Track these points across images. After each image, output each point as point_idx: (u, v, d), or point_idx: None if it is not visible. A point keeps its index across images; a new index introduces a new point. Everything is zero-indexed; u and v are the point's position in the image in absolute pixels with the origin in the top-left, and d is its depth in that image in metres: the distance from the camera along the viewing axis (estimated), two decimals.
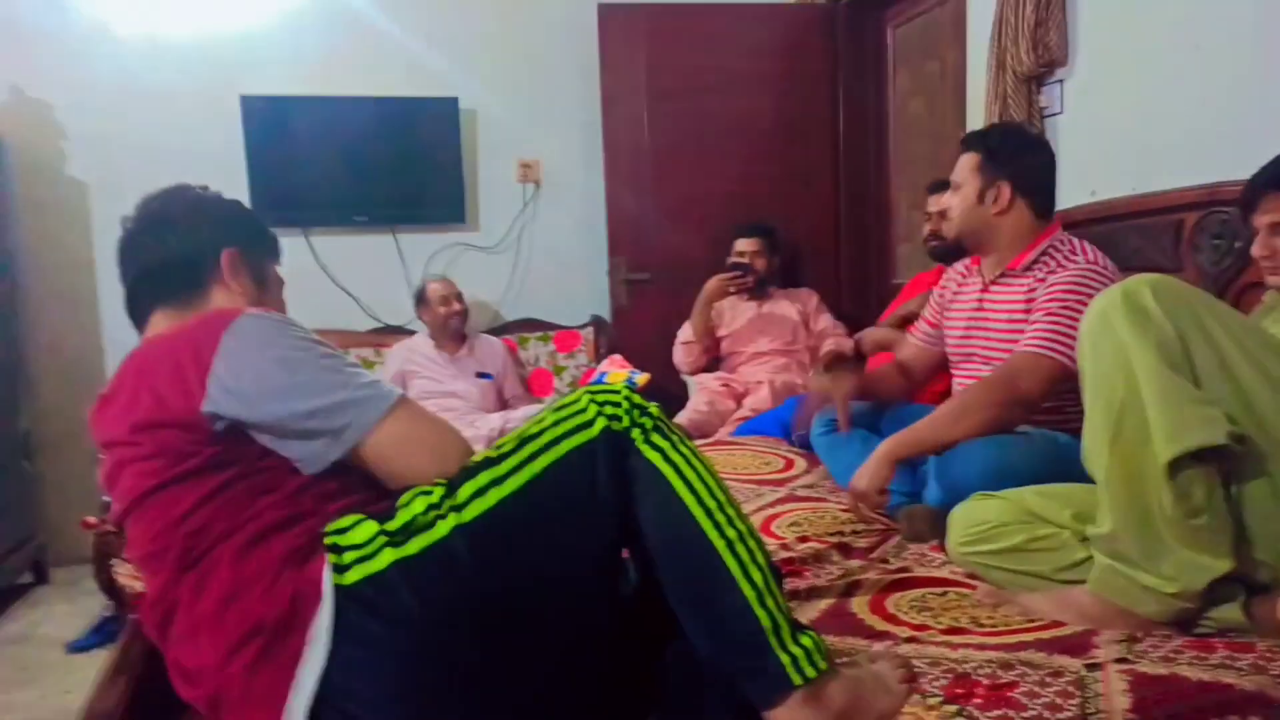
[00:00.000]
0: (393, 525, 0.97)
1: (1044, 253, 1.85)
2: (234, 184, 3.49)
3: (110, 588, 1.11)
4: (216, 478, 1.01)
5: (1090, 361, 1.28)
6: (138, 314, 1.25)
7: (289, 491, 1.03)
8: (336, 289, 3.63)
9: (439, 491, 0.99)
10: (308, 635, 0.92)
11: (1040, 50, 2.44)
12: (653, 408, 1.09)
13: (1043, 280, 1.81)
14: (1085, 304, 1.60)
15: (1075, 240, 1.87)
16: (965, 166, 1.91)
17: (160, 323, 1.22)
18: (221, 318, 1.08)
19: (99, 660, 2.57)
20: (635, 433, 1.06)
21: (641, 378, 3.27)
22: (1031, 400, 1.74)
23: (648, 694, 1.15)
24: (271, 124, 3.52)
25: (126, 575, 1.09)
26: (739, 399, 3.21)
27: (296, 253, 3.60)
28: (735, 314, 3.42)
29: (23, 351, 3.38)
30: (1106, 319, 1.25)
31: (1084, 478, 1.34)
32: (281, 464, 1.05)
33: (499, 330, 3.79)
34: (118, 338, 3.49)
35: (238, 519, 1.00)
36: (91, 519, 2.79)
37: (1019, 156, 1.89)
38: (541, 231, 3.87)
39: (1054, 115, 2.54)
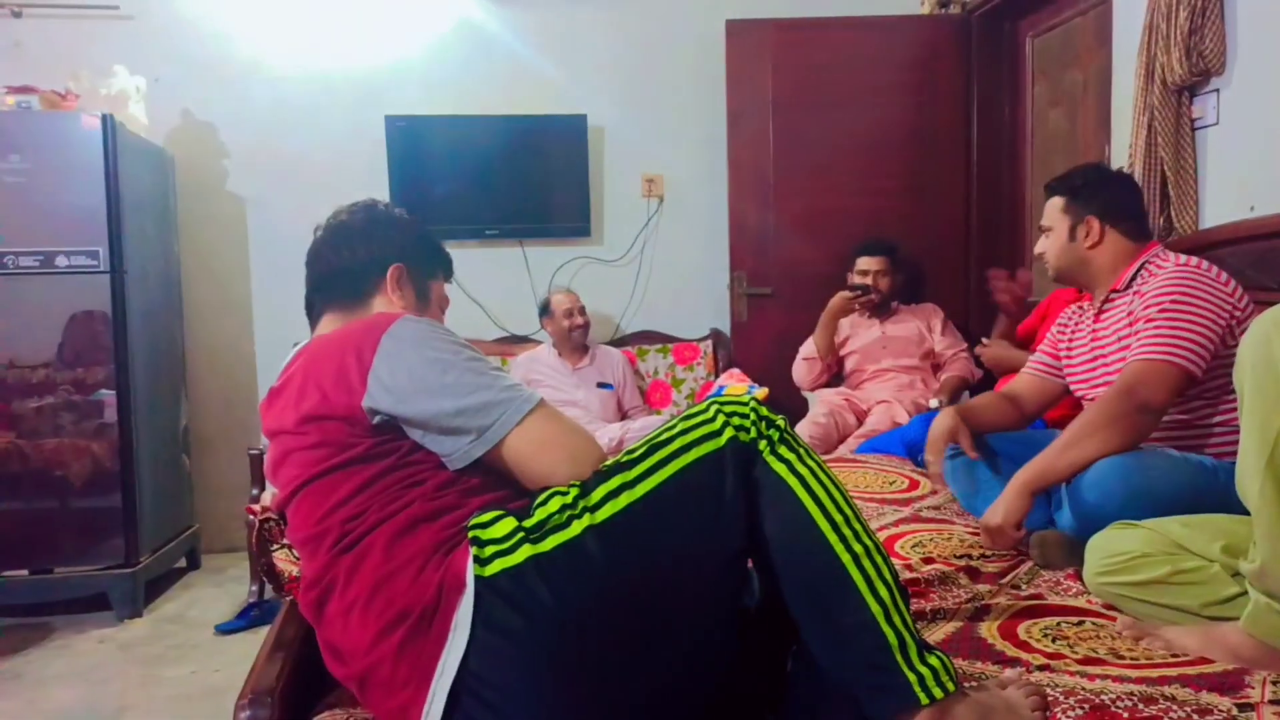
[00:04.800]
0: (530, 522, 1.02)
1: (1140, 268, 1.88)
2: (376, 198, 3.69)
3: (270, 571, 1.19)
4: (372, 468, 1.09)
5: (1249, 383, 1.21)
6: (312, 315, 1.35)
7: (436, 485, 1.09)
8: (467, 299, 3.78)
9: (574, 493, 1.03)
10: (451, 622, 0.98)
11: (1194, 58, 2.31)
12: (780, 420, 1.10)
13: (1140, 293, 1.82)
14: (1185, 302, 1.70)
15: (1169, 252, 1.89)
16: (1053, 210, 2.00)
17: (328, 324, 1.33)
18: (382, 321, 1.16)
19: (244, 641, 2.77)
20: (762, 444, 1.07)
21: (760, 392, 3.25)
22: (1152, 406, 1.68)
23: (767, 702, 1.15)
24: (412, 142, 3.70)
25: (284, 559, 1.16)
26: (861, 416, 3.16)
27: None
28: (858, 332, 3.37)
29: (184, 354, 3.66)
30: (1267, 341, 1.18)
31: (1231, 502, 1.27)
32: (430, 459, 1.12)
33: (620, 342, 3.85)
34: (268, 342, 3.75)
35: (390, 508, 1.06)
36: (255, 507, 3.00)
37: (1101, 190, 1.95)
38: (664, 245, 3.92)
39: (1207, 127, 2.40)
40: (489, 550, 1.00)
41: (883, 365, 3.30)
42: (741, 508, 1.05)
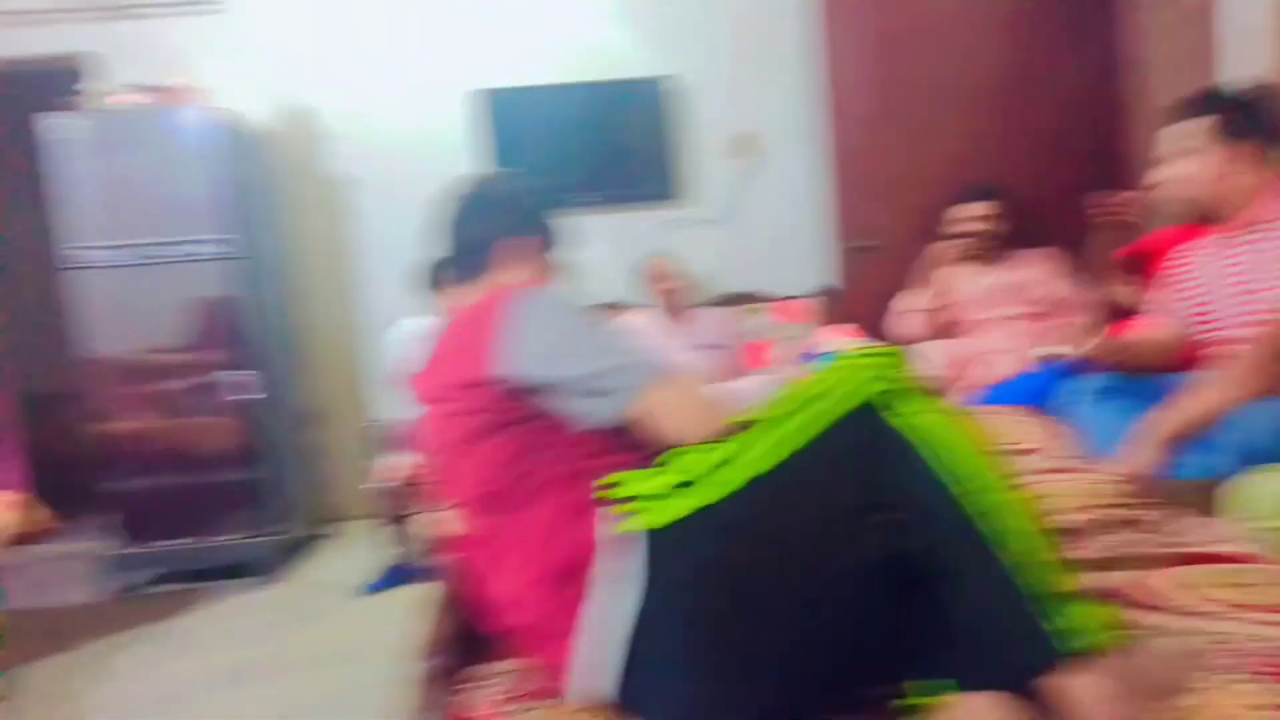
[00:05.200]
0: (684, 477, 1.05)
1: None
2: (470, 173, 3.76)
3: (411, 534, 1.27)
4: (519, 430, 1.15)
5: None
6: (440, 287, 1.41)
7: (579, 445, 1.15)
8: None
9: (726, 447, 1.06)
10: (615, 573, 1.02)
11: None
12: (914, 371, 1.11)
13: None
14: None
15: None
16: (1197, 132, 1.82)
17: (457, 296, 1.40)
18: (514, 291, 1.22)
19: (382, 602, 2.91)
20: (898, 396, 1.08)
21: (875, 347, 3.22)
22: None
23: (904, 658, 1.16)
24: (501, 115, 3.75)
25: (435, 521, 1.24)
26: (978, 366, 3.10)
27: None
28: (967, 281, 3.29)
29: (298, 333, 3.83)
30: None
31: None
32: (570, 421, 1.17)
33: (720, 303, 3.85)
34: (372, 319, 3.88)
35: (540, 467, 1.13)
36: (390, 474, 3.14)
37: (1260, 111, 1.81)
38: (760, 203, 3.88)
39: None
40: (646, 504, 1.04)
41: (997, 314, 3.22)
42: (879, 460, 1.06)
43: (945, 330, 3.36)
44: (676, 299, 3.56)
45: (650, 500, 1.05)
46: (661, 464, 1.10)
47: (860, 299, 3.69)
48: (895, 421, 1.06)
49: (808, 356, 3.34)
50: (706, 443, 1.09)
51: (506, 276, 1.37)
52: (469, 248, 1.38)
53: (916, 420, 1.06)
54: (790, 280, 3.87)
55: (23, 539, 2.63)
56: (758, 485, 1.02)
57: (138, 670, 2.55)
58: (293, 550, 3.44)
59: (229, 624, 2.86)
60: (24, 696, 2.42)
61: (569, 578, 1.05)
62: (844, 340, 3.39)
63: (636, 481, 1.07)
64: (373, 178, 3.83)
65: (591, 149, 3.80)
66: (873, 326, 3.49)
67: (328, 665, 2.50)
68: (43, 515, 2.64)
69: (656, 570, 1.01)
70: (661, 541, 1.02)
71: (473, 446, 1.16)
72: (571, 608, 1.05)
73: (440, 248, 1.42)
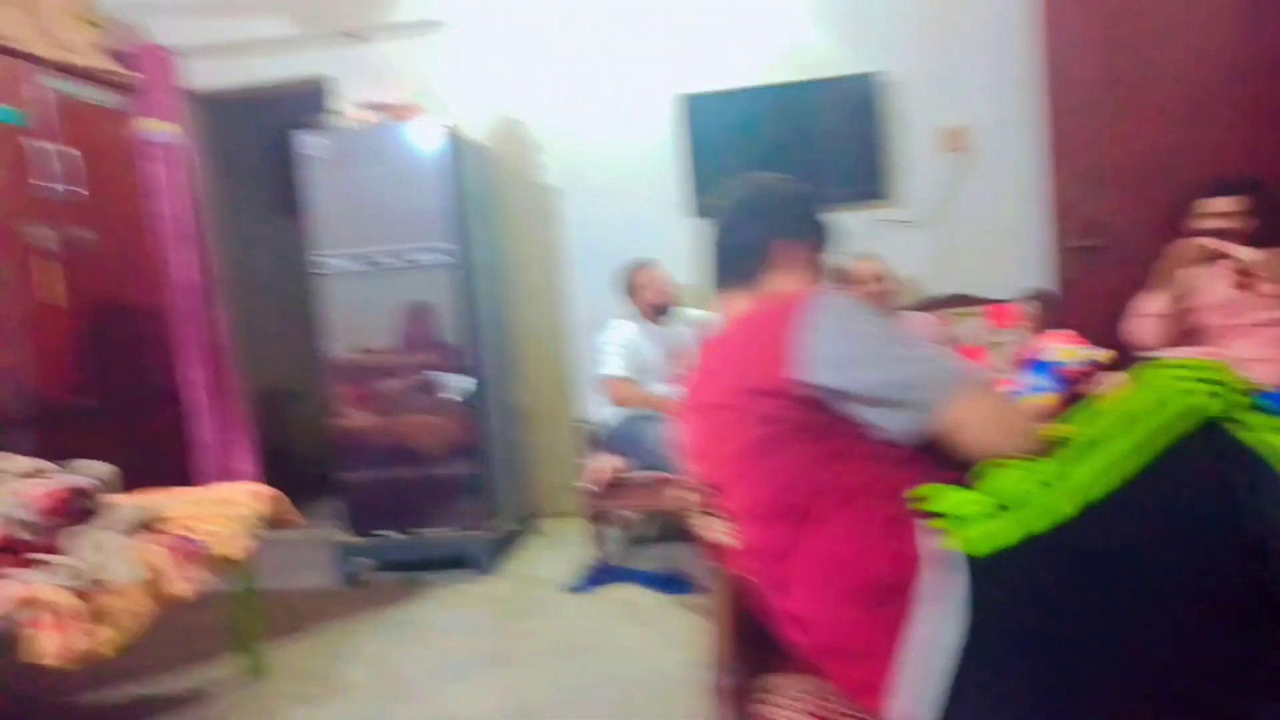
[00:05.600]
0: (1003, 499, 1.00)
1: None
2: (676, 178, 3.80)
3: (693, 538, 1.26)
4: (815, 439, 1.11)
5: None
6: (717, 289, 1.40)
7: (881, 457, 1.10)
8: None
9: (1044, 468, 1.00)
10: (926, 596, 0.98)
11: None
12: (1246, 386, 1.00)
13: None
14: None
15: None
16: None
17: (732, 300, 1.37)
18: (803, 296, 1.18)
19: (592, 600, 2.97)
20: (1236, 412, 0.98)
21: (1103, 354, 2.98)
22: None
23: (1260, 689, 1.05)
24: (706, 118, 3.76)
25: (712, 530, 1.23)
26: None
27: None
28: (1214, 283, 3.00)
29: (510, 335, 3.99)
30: None
31: None
32: (871, 430, 1.12)
33: (927, 306, 3.70)
34: (581, 323, 3.98)
35: (838, 479, 1.09)
36: (595, 474, 3.22)
37: None
38: (971, 201, 3.71)
39: None
40: (957, 525, 0.99)
41: (1246, 319, 2.92)
42: (1228, 486, 0.96)
43: (1188, 337, 3.09)
44: (884, 302, 3.44)
45: (967, 520, 0.99)
46: (974, 480, 1.05)
47: (1080, 303, 3.45)
48: (1249, 438, 0.96)
49: (1029, 364, 3.15)
50: (1019, 459, 1.03)
51: (782, 280, 1.34)
52: (744, 250, 1.36)
53: (1270, 437, 0.96)
54: (1004, 282, 3.67)
55: (269, 527, 2.86)
56: (1093, 512, 0.95)
57: (370, 656, 2.72)
58: (503, 545, 3.57)
59: (449, 615, 3.00)
60: (272, 674, 2.63)
61: (879, 596, 1.01)
62: (1067, 346, 3.17)
63: (950, 498, 1.02)
64: (580, 186, 3.94)
65: (797, 150, 3.74)
66: (1094, 331, 3.23)
67: (550, 660, 2.58)
68: (286, 506, 2.85)
69: (982, 597, 0.96)
70: (987, 567, 0.96)
71: (764, 455, 1.13)
72: (883, 628, 1.01)
73: (710, 250, 1.41)
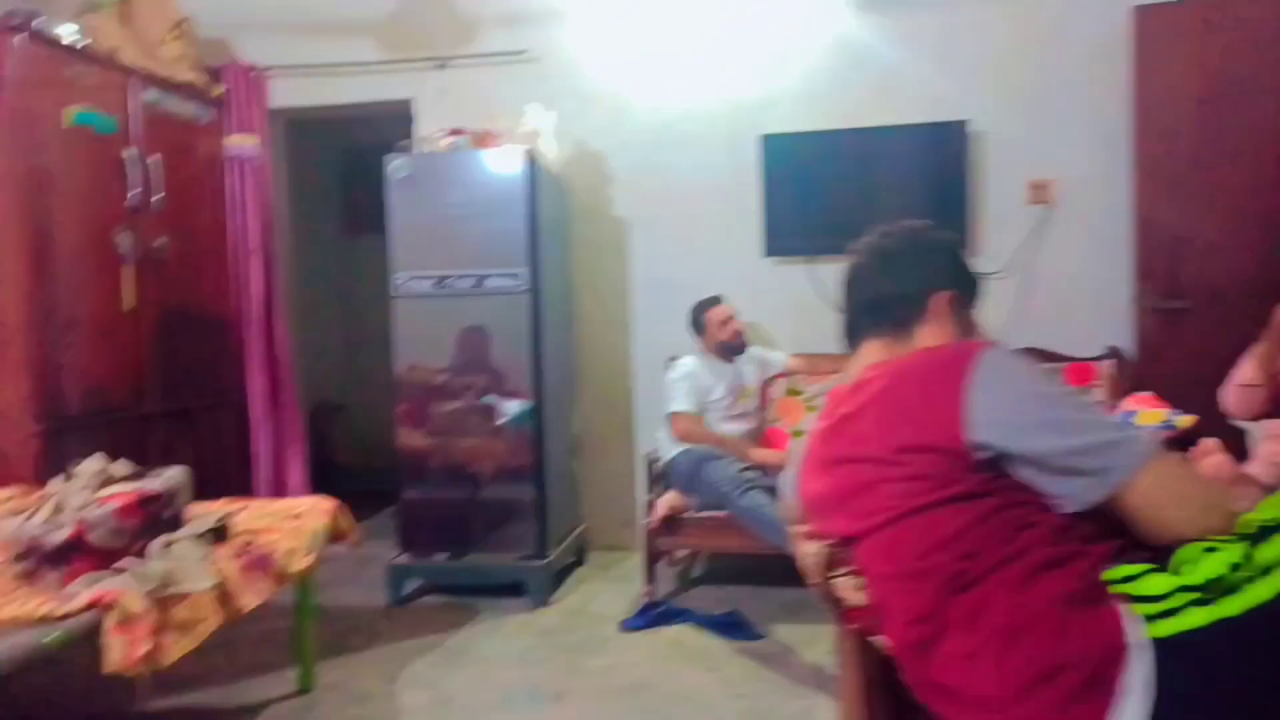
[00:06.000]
0: (1193, 580, 0.94)
1: None
2: (749, 217, 3.78)
3: (829, 597, 1.19)
4: (980, 505, 1.05)
5: None
6: (853, 339, 1.35)
7: (1052, 528, 1.04)
8: (836, 314, 3.73)
9: (1238, 550, 0.93)
10: (1119, 685, 0.92)
11: None
12: None
13: None
14: None
15: None
16: None
17: (872, 351, 1.31)
18: (969, 350, 1.12)
19: (648, 639, 2.91)
20: None
21: (1184, 420, 2.89)
22: None
23: None
24: (785, 160, 3.74)
25: (845, 587, 1.16)
26: None
27: (798, 280, 3.78)
28: None
29: (577, 365, 3.97)
30: None
31: None
32: (1038, 499, 1.06)
33: None
34: (645, 355, 3.96)
35: (1008, 549, 1.02)
36: (655, 510, 3.17)
37: None
38: (1052, 256, 3.63)
39: None
40: (1152, 608, 0.93)
41: None
42: None
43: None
44: None
45: (1155, 602, 0.93)
46: (1161, 558, 0.99)
47: (1159, 365, 3.35)
48: None
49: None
50: (1209, 536, 0.96)
51: (934, 332, 1.28)
52: (899, 299, 1.30)
53: None
54: (1081, 339, 3.57)
55: (329, 541, 2.84)
56: None
57: (425, 680, 2.67)
58: (557, 576, 3.52)
59: (503, 644, 2.95)
60: (324, 691, 2.59)
61: (1063, 680, 0.95)
62: (1150, 409, 3.08)
63: (1135, 579, 0.96)
64: (653, 219, 3.94)
65: (878, 194, 3.70)
66: (1172, 395, 3.14)
67: (609, 699, 2.52)
68: (347, 520, 2.83)
69: (1166, 681, 0.89)
70: (1176, 649, 0.90)
71: (918, 514, 1.07)
72: (1073, 715, 0.94)
73: (856, 296, 1.37)
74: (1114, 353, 3.52)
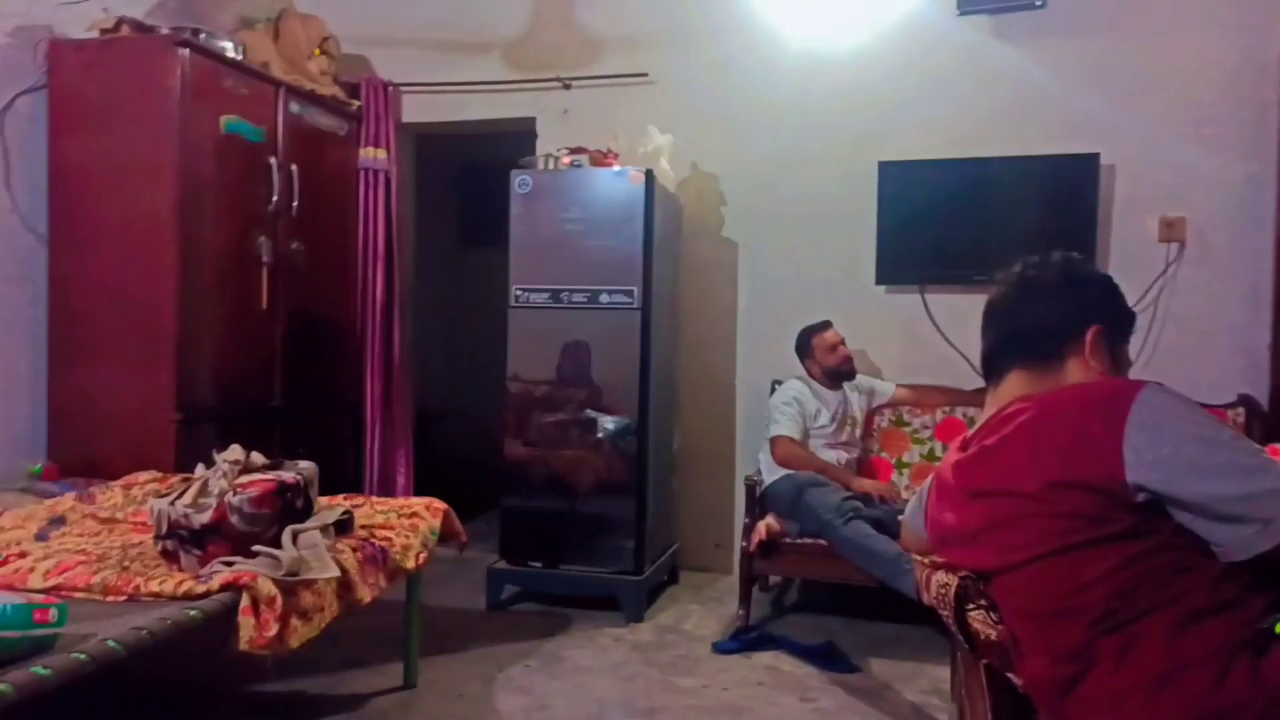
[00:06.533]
0: None
1: None
2: (863, 244, 3.75)
3: (965, 630, 1.18)
4: (1135, 546, 1.03)
5: None
6: (996, 369, 1.33)
7: (1212, 575, 1.01)
8: (946, 345, 3.67)
9: None
10: None
11: None
12: None
13: None
14: None
15: None
16: None
17: (1016, 383, 1.29)
18: (1127, 389, 1.10)
19: (741, 664, 2.89)
20: None
21: None
22: None
23: None
24: (903, 187, 3.70)
25: (980, 620, 1.15)
26: None
27: (910, 309, 3.73)
28: None
29: (682, 384, 3.99)
30: None
31: None
32: (1198, 544, 1.03)
33: None
34: (748, 377, 3.96)
35: (1164, 593, 1.00)
36: (754, 534, 3.17)
37: None
38: (1182, 295, 3.49)
39: None
40: None
41: None
42: None
43: None
44: None
45: None
46: None
47: None
48: None
49: None
50: None
51: (1086, 367, 1.26)
52: (1055, 331, 1.27)
53: None
54: (1210, 384, 3.41)
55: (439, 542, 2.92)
56: None
57: (521, 686, 2.72)
58: (650, 593, 3.54)
59: (597, 657, 2.98)
60: (425, 689, 2.67)
61: None
62: None
63: None
64: (764, 243, 3.95)
65: (999, 224, 3.61)
66: None
67: (700, 718, 2.51)
68: (455, 522, 2.91)
69: None
70: None
71: (1064, 553, 1.05)
72: None
73: (1006, 326, 1.35)
74: (1245, 400, 3.35)
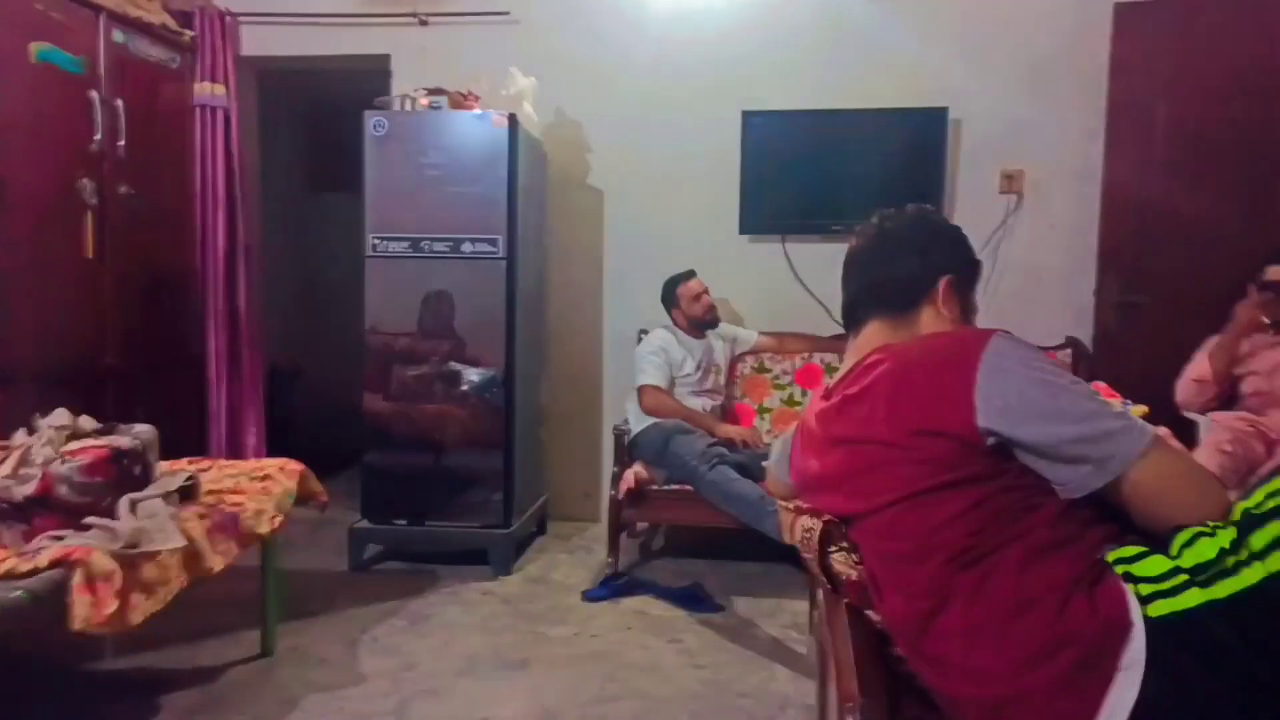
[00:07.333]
0: (1186, 562, 0.98)
1: None
2: (726, 193, 3.78)
3: (828, 571, 1.22)
4: (984, 488, 1.07)
5: None
6: (856, 319, 1.37)
7: (1053, 512, 1.07)
8: (806, 294, 3.77)
9: (1226, 535, 0.97)
10: (1120, 662, 0.95)
11: None
12: None
13: None
14: None
15: None
16: None
17: (875, 331, 1.34)
18: (980, 338, 1.13)
19: (609, 610, 2.93)
20: None
21: (1136, 409, 2.97)
22: None
23: None
24: (765, 137, 3.74)
25: (841, 562, 1.19)
26: (1270, 446, 2.82)
27: (772, 258, 3.81)
28: (1265, 351, 3.00)
29: (547, 335, 3.95)
30: None
31: None
32: (1041, 484, 1.09)
33: None
34: (615, 328, 3.95)
35: (1011, 530, 1.05)
36: (626, 484, 3.19)
37: None
38: (1019, 245, 3.70)
39: None
40: (1145, 589, 0.97)
41: None
42: None
43: (1242, 404, 3.08)
44: None
45: (1153, 583, 0.97)
46: (1155, 544, 1.03)
47: (1115, 357, 3.46)
48: None
49: None
50: (1202, 523, 1.00)
51: (939, 316, 1.31)
52: (908, 282, 1.32)
53: None
54: (1040, 329, 3.65)
55: (296, 504, 2.80)
56: (1273, 581, 0.92)
57: (386, 646, 2.66)
58: (518, 545, 3.52)
59: (465, 612, 2.95)
60: (284, 656, 2.57)
61: (1064, 658, 0.98)
62: (1105, 398, 3.17)
63: (1133, 561, 1.00)
64: (629, 190, 3.92)
65: (854, 176, 3.71)
66: (1137, 388, 3.24)
67: (572, 667, 2.54)
68: (313, 483, 2.79)
69: (1162, 660, 0.93)
70: (1165, 628, 0.94)
71: (925, 495, 1.09)
72: (1073, 691, 0.97)
73: (860, 277, 1.38)
74: (1072, 343, 3.61)
